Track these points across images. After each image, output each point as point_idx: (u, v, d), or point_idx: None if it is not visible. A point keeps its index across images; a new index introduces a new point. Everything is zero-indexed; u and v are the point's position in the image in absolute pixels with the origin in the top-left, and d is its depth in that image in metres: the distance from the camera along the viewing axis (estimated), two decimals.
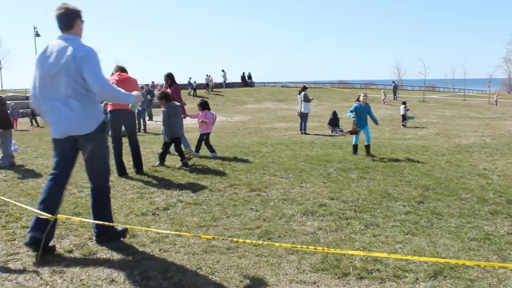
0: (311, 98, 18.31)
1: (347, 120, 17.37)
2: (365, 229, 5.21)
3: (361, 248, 4.63)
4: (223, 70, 50.03)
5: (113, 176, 7.52)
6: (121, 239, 4.78)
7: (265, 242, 4.65)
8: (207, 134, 9.99)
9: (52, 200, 4.37)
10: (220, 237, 4.73)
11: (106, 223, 4.41)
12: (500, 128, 18.38)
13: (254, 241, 4.66)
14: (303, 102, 17.34)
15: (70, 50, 4.15)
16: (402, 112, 20.30)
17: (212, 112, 10.17)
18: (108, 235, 4.68)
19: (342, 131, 17.42)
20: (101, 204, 4.65)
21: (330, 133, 17.07)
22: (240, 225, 5.28)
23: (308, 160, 9.32)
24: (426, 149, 11.71)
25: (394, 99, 42.35)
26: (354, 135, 10.74)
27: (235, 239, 4.49)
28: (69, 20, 4.30)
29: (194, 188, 6.95)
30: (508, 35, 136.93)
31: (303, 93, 17.65)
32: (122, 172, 7.75)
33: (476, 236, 5.09)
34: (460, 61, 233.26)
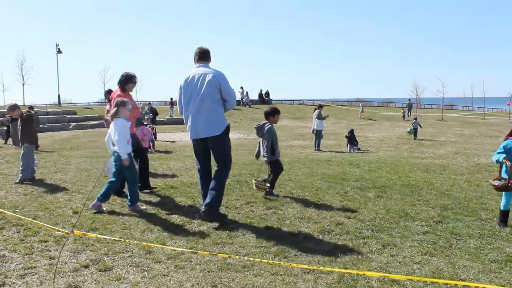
0: (326, 116, 18.38)
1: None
2: (382, 249, 5.16)
3: (378, 268, 4.58)
4: (241, 87, 50.30)
5: None
6: (218, 223, 5.92)
7: (281, 262, 4.63)
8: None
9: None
10: (236, 256, 4.72)
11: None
12: None
13: (270, 261, 4.64)
14: (317, 119, 17.49)
15: None
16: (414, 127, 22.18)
17: (148, 128, 10.29)
18: (214, 211, 6.06)
19: (359, 149, 17.36)
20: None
21: (348, 151, 17.01)
22: (256, 243, 5.26)
23: (325, 178, 9.28)
24: (445, 168, 11.58)
25: (408, 116, 42.34)
26: (504, 193, 6.32)
27: (251, 258, 4.48)
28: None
29: None
30: None
31: (317, 110, 17.85)
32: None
33: (497, 257, 4.98)
34: (479, 79, 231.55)
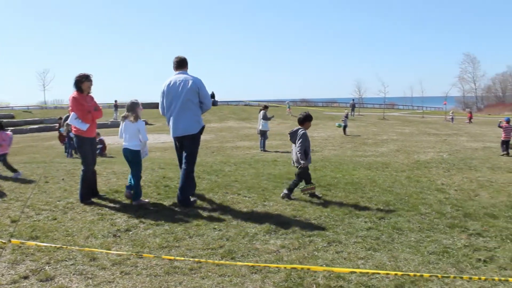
0: (271, 116, 18.56)
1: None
2: (327, 246, 5.25)
3: (324, 265, 4.66)
4: None
5: (73, 198, 7.37)
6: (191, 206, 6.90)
7: (227, 262, 4.63)
8: (4, 155, 10.10)
9: None
10: (182, 258, 4.68)
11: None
12: (456, 144, 18.92)
13: (217, 261, 4.63)
14: (262, 120, 17.64)
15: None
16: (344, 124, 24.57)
17: (7, 132, 10.23)
18: (186, 202, 6.96)
19: None
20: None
21: None
22: (203, 245, 5.24)
23: (271, 179, 9.35)
24: (387, 166, 11.92)
25: (352, 115, 43.43)
26: None
27: (197, 259, 4.45)
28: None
29: (157, 208, 6.87)
30: (462, 55, 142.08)
31: (262, 111, 18.01)
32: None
33: (435, 249, 5.20)
34: (418, 80, 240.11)
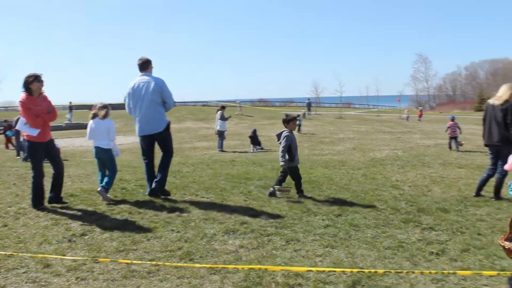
0: (228, 116, 18.58)
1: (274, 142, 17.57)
2: (286, 245, 5.30)
3: (282, 264, 4.70)
4: None
5: (25, 203, 7.15)
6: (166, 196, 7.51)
7: (185, 264, 4.60)
8: None
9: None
10: (139, 261, 4.63)
11: None
12: (409, 141, 19.42)
13: (174, 263, 4.60)
14: (220, 120, 17.63)
15: None
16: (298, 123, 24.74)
17: None
18: (162, 187, 7.56)
19: (262, 148, 17.66)
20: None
21: (251, 151, 17.25)
22: (161, 247, 5.19)
23: (228, 179, 9.35)
24: (343, 164, 12.12)
25: (309, 114, 43.96)
26: None
27: (154, 262, 4.41)
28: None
29: (113, 211, 6.75)
30: (415, 55, 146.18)
31: (220, 111, 18.00)
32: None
33: (390, 244, 5.33)
34: (373, 79, 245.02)
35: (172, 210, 6.78)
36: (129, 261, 4.57)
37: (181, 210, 6.77)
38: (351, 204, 7.27)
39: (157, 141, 7.61)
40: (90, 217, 6.45)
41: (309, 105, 48.74)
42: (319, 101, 72.85)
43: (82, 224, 6.12)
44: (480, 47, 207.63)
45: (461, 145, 16.41)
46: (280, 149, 7.87)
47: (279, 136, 8.05)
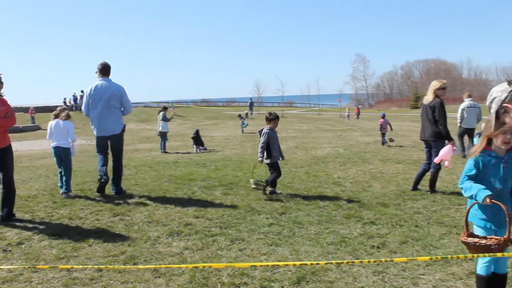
0: (170, 117, 18.41)
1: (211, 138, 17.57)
2: (231, 245, 5.31)
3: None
4: (82, 91, 47.80)
5: None
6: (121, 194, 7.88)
7: (128, 266, 4.52)
8: None
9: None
10: (80, 266, 4.50)
11: None
12: (350, 139, 19.87)
13: (116, 266, 4.51)
14: (162, 121, 17.44)
15: None
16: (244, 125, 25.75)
17: None
18: (119, 185, 8.00)
19: (205, 149, 17.59)
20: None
21: (194, 152, 17.15)
22: (104, 253, 5.07)
23: (172, 180, 9.26)
24: (286, 162, 12.23)
25: (251, 114, 44.25)
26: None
27: (96, 266, 4.30)
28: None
29: (52, 218, 6.52)
30: (354, 55, 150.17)
31: (162, 112, 17.81)
32: None
33: (333, 240, 5.45)
34: (314, 78, 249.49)
35: (114, 214, 6.64)
36: (69, 267, 4.43)
37: (124, 214, 6.64)
38: (295, 202, 7.38)
39: (111, 141, 8.03)
40: (27, 225, 6.21)
41: (251, 105, 49.01)
42: (262, 101, 73.35)
43: (18, 233, 5.87)
44: (414, 47, 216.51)
45: (392, 141, 17.15)
46: (260, 145, 8.06)
47: (260, 132, 8.28)
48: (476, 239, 3.40)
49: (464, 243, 3.48)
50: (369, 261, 4.40)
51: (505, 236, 3.27)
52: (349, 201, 7.44)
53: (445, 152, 7.33)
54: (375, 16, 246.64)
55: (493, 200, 3.28)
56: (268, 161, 8.11)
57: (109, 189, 8.02)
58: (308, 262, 3.92)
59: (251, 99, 52.71)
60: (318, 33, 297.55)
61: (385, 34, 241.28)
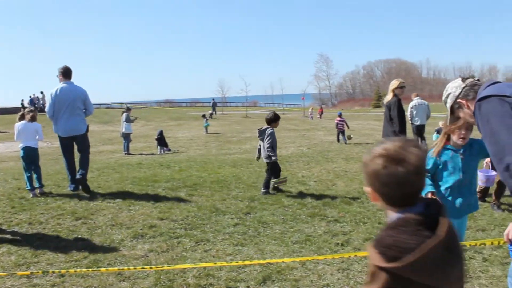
0: (134, 118, 18.18)
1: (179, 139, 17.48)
2: (196, 246, 5.28)
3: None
4: (42, 92, 46.70)
5: None
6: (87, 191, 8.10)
7: (91, 270, 4.44)
8: None
9: None
10: (40, 272, 4.39)
11: None
12: (314, 138, 20.07)
13: (79, 270, 4.42)
14: (125, 122, 17.21)
15: None
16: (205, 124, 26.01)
17: None
18: (85, 180, 8.29)
19: (169, 150, 17.46)
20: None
21: (158, 153, 16.99)
22: (66, 258, 4.96)
23: (136, 182, 9.14)
24: (251, 162, 12.26)
25: (215, 114, 44.13)
26: None
27: (57, 271, 4.20)
28: None
29: (11, 223, 6.33)
30: (317, 55, 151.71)
31: (125, 113, 17.57)
32: None
33: (298, 239, 5.49)
34: (278, 78, 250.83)
35: (76, 218, 6.51)
36: (28, 273, 4.32)
37: (86, 218, 6.51)
38: (259, 201, 7.39)
39: (76, 141, 8.42)
40: None
41: (214, 105, 48.82)
42: (226, 101, 73.28)
43: None
44: (376, 47, 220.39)
45: (349, 138, 17.51)
46: (267, 145, 8.13)
47: (261, 132, 8.31)
48: None
49: None
50: (333, 258, 4.45)
51: None
52: (314, 199, 7.51)
53: None
54: (338, 17, 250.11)
55: (433, 197, 3.47)
56: (268, 160, 8.21)
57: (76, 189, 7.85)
58: (273, 260, 3.94)
59: (213, 99, 52.51)
60: (282, 33, 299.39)
61: (348, 34, 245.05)
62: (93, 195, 7.92)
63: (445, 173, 3.72)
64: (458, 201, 3.70)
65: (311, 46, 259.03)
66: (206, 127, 25.87)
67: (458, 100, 2.90)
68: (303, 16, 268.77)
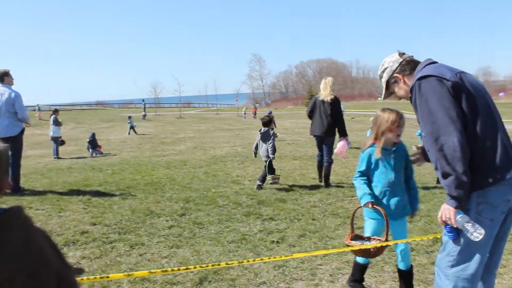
0: (60, 120, 17.59)
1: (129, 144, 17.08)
2: (130, 250, 5.19)
3: (128, 270, 4.59)
4: None
5: None
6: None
7: None
8: None
9: None
10: None
11: None
12: (248, 137, 20.18)
13: None
14: (53, 125, 16.61)
15: None
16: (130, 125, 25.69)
17: None
18: (18, 184, 8.70)
19: (101, 153, 17.01)
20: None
21: (90, 156, 16.51)
22: None
23: (66, 187, 8.83)
24: (185, 163, 12.18)
25: (145, 115, 43.45)
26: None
27: None
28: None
29: None
30: (250, 55, 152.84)
31: (53, 116, 16.95)
32: None
33: (234, 238, 5.53)
34: (211, 78, 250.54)
35: None
36: None
37: None
38: (194, 202, 7.37)
39: (10, 144, 8.19)
40: None
41: (144, 106, 48.07)
42: (159, 102, 72.30)
43: None
44: (308, 48, 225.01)
45: (276, 136, 17.92)
46: (270, 144, 8.63)
47: (264, 134, 8.78)
48: (357, 243, 3.65)
49: (348, 246, 3.70)
50: (269, 258, 4.51)
51: (383, 239, 3.54)
52: (248, 198, 7.58)
53: (341, 146, 7.95)
54: (271, 17, 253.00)
55: (375, 206, 3.57)
56: (267, 158, 8.67)
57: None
58: (210, 265, 3.94)
59: (143, 100, 51.69)
60: (215, 32, 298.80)
61: (280, 34, 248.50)
62: (20, 202, 7.58)
63: (376, 173, 3.72)
64: (393, 201, 3.69)
65: (245, 46, 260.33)
66: (133, 128, 25.47)
67: (395, 74, 2.98)
68: (237, 15, 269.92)
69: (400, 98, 3.12)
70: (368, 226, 3.80)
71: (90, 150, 16.99)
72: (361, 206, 3.70)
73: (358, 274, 4.01)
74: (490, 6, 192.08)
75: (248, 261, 4.09)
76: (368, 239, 3.70)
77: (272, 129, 9.16)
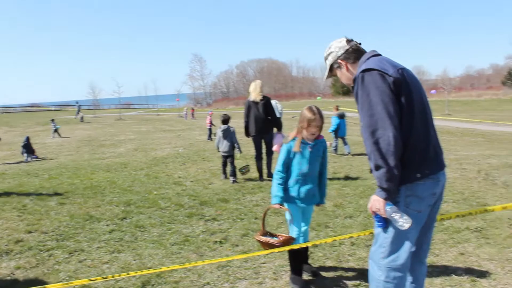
0: None
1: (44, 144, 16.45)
2: (69, 257, 5.03)
3: (67, 278, 4.45)
4: None
5: None
6: None
7: None
8: None
9: None
10: None
11: None
12: (190, 138, 20.06)
13: None
14: None
15: None
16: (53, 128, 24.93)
17: None
18: None
19: (37, 157, 16.39)
20: None
21: (24, 161, 15.87)
22: None
23: None
24: (126, 166, 11.95)
25: (78, 117, 42.25)
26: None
27: None
28: None
29: None
30: (191, 55, 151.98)
31: None
32: None
33: (176, 240, 5.48)
34: (151, 79, 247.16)
35: None
36: None
37: None
38: (136, 205, 7.24)
39: None
40: None
41: (78, 108, 46.78)
42: (98, 103, 70.48)
43: None
44: (249, 47, 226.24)
45: (215, 135, 18.24)
46: (236, 142, 9.26)
47: (225, 131, 9.21)
48: (266, 238, 3.96)
49: (258, 241, 4.02)
50: (210, 261, 4.49)
51: (289, 235, 4.00)
52: (191, 199, 7.53)
53: (279, 140, 8.33)
54: (211, 17, 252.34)
55: (281, 207, 4.04)
56: (225, 154, 9.30)
57: None
58: (154, 270, 3.87)
59: (77, 102, 50.28)
60: (154, 32, 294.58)
61: (221, 35, 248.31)
62: None
63: (293, 163, 4.06)
64: (303, 189, 4.07)
65: (185, 46, 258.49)
66: (56, 130, 24.89)
67: (339, 60, 3.07)
68: (177, 14, 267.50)
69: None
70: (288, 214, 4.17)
71: (25, 154, 16.32)
72: (271, 207, 4.10)
73: (294, 264, 4.26)
74: (423, 11, 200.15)
75: (190, 264, 4.06)
76: (276, 235, 4.02)
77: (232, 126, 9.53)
